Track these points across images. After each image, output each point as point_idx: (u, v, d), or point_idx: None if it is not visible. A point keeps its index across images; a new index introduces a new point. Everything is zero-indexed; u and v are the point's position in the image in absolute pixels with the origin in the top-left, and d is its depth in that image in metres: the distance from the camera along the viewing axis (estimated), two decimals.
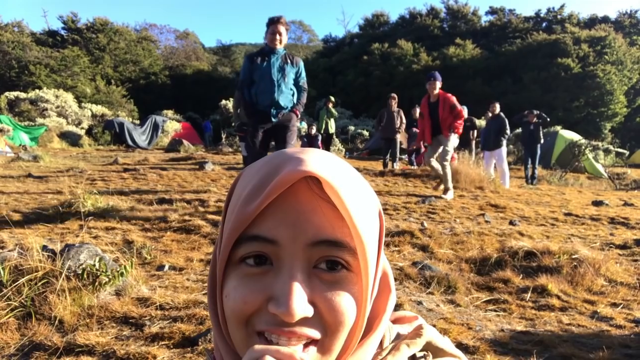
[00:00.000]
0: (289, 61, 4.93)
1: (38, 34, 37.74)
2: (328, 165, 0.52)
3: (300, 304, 0.48)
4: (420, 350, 0.61)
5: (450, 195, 6.95)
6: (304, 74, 5.10)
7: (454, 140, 6.97)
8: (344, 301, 0.52)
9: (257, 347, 0.48)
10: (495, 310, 2.86)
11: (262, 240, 0.51)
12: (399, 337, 0.63)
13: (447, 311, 2.75)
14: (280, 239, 0.50)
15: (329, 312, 0.51)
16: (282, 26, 4.80)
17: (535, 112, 11.43)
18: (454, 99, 6.80)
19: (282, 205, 0.51)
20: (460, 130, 6.94)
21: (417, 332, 0.62)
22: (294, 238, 0.50)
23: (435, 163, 7.13)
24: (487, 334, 2.42)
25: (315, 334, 0.50)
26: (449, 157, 6.90)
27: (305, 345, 0.50)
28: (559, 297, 3.07)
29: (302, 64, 5.10)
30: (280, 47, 4.86)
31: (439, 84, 6.81)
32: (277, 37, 4.78)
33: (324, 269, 0.52)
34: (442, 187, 7.26)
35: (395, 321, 0.68)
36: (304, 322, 0.50)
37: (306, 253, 0.51)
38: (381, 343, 0.61)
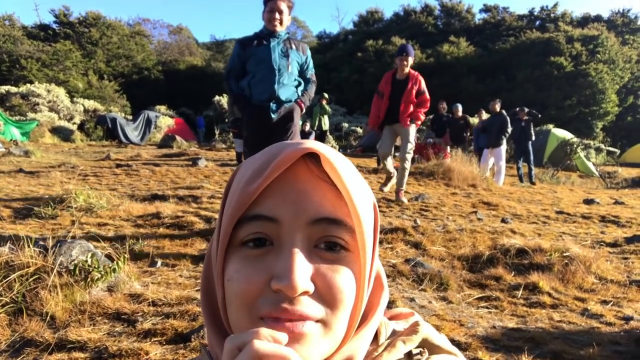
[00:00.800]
0: (293, 46, 4.00)
1: (29, 27, 37.35)
2: (327, 148, 0.53)
3: (302, 276, 0.49)
4: (416, 347, 0.61)
5: (388, 187, 6.34)
6: (312, 64, 4.16)
7: (414, 132, 5.88)
8: (344, 279, 0.52)
9: (233, 336, 0.47)
10: (487, 308, 2.87)
11: (264, 219, 0.52)
12: (394, 334, 0.63)
13: (440, 308, 2.76)
14: (281, 217, 0.51)
15: (329, 289, 0.51)
16: (283, 2, 3.82)
17: (526, 109, 11.45)
18: (423, 82, 5.84)
19: (282, 185, 0.52)
20: (422, 120, 5.98)
21: (413, 329, 0.62)
22: (295, 216, 0.51)
23: (390, 161, 6.17)
24: (479, 331, 2.43)
25: (317, 312, 0.51)
26: (411, 153, 5.94)
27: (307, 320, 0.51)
28: (550, 295, 3.09)
29: (309, 53, 4.16)
30: (281, 29, 3.90)
31: (411, 60, 5.76)
32: (277, 15, 3.79)
33: (323, 249, 0.53)
34: (391, 183, 6.35)
35: (391, 318, 0.69)
36: (305, 301, 0.50)
37: (306, 231, 0.52)
38: (377, 339, 0.61)
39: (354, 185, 0.53)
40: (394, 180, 6.16)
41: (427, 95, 5.79)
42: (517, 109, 11.51)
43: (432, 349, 0.62)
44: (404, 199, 5.98)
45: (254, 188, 0.51)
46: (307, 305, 0.50)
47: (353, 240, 0.53)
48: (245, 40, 4.01)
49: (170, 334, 2.13)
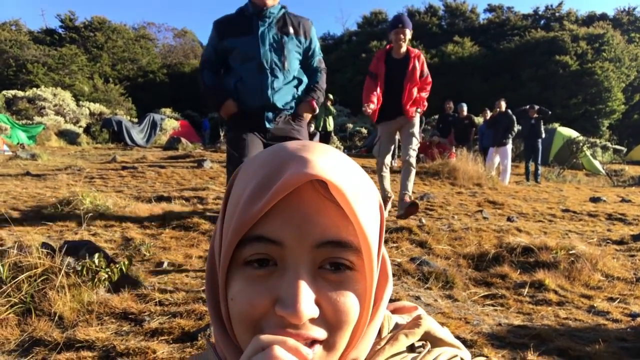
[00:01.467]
0: (290, 28, 3.05)
1: (36, 32, 37.65)
2: (333, 165, 0.51)
3: (307, 305, 0.48)
4: (419, 340, 0.61)
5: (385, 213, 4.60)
6: (318, 47, 3.28)
7: (419, 123, 4.83)
8: (349, 301, 0.51)
9: (263, 336, 0.47)
10: (493, 305, 2.87)
11: (267, 241, 0.50)
12: (397, 327, 0.63)
13: (445, 306, 2.77)
14: (285, 241, 0.50)
15: (334, 312, 0.51)
16: None
17: (536, 107, 11.34)
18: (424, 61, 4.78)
19: (286, 206, 0.50)
20: (425, 108, 4.86)
21: (415, 322, 0.62)
22: (300, 239, 0.50)
23: (388, 176, 4.93)
24: (485, 328, 2.43)
25: (321, 334, 0.50)
26: (416, 150, 4.86)
27: (311, 344, 0.50)
28: (556, 292, 3.08)
29: (314, 33, 3.22)
30: (273, 3, 2.98)
31: (409, 34, 4.59)
32: None
33: (328, 269, 0.52)
34: (389, 206, 5.01)
35: (394, 311, 0.68)
36: (310, 323, 0.49)
37: (311, 254, 0.50)
38: (380, 333, 0.61)
39: (361, 204, 0.51)
40: (389, 205, 4.97)
41: (430, 78, 4.75)
42: (527, 106, 11.38)
43: (435, 342, 0.62)
44: (405, 207, 4.57)
45: (256, 210, 0.49)
46: (312, 330, 0.50)
47: (359, 260, 0.52)
48: (224, 24, 3.08)
49: (177, 332, 2.15)
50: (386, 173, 4.87)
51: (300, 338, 0.48)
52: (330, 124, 13.99)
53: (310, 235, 0.50)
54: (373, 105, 4.49)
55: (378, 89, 4.59)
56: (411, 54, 4.62)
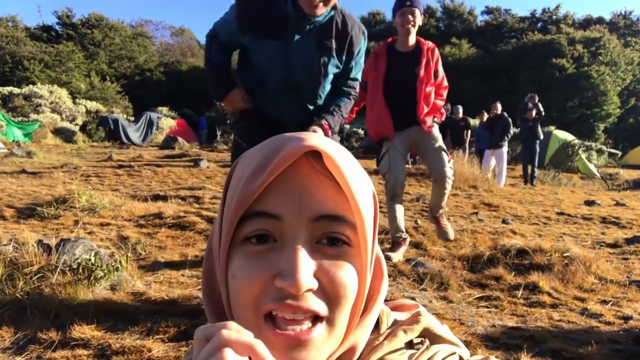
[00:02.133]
0: (334, 43, 2.28)
1: (32, 28, 37.49)
2: (329, 142, 0.54)
3: (306, 275, 0.49)
4: (418, 337, 0.61)
5: (400, 254, 3.55)
6: (360, 66, 2.50)
7: (438, 132, 3.67)
8: (346, 275, 0.53)
9: (224, 332, 0.44)
10: (487, 307, 2.89)
11: (266, 216, 0.52)
12: (396, 324, 0.63)
13: (440, 307, 2.78)
14: (283, 214, 0.51)
15: (332, 285, 0.52)
16: None
17: (536, 96, 10.94)
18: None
19: (284, 182, 0.52)
20: (443, 115, 3.87)
21: (414, 319, 0.62)
22: (297, 213, 0.51)
23: (401, 208, 3.64)
24: (479, 330, 2.45)
25: (320, 307, 0.51)
26: (452, 169, 3.64)
27: (313, 324, 0.51)
28: (550, 294, 3.10)
29: (363, 46, 2.44)
30: (323, 11, 2.20)
31: (420, 17, 3.49)
32: None
33: (326, 244, 0.53)
34: (403, 249, 3.62)
35: (394, 309, 0.69)
36: (309, 296, 0.50)
37: (309, 228, 0.52)
38: (378, 328, 0.61)
39: (356, 181, 0.53)
40: (405, 247, 3.64)
41: (446, 81, 3.75)
42: (528, 95, 11.02)
43: (434, 338, 0.62)
44: (449, 230, 3.80)
45: (256, 186, 0.51)
46: (311, 301, 0.50)
47: (354, 235, 0.54)
48: (249, 11, 2.28)
49: (172, 331, 2.16)
50: (400, 200, 3.61)
51: (299, 310, 0.49)
52: None
53: (307, 208, 0.52)
54: (388, 138, 3.53)
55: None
56: (423, 46, 3.54)
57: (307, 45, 2.25)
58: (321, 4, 2.12)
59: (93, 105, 22.33)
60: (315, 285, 0.50)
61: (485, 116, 11.55)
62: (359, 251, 0.55)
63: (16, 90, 20.75)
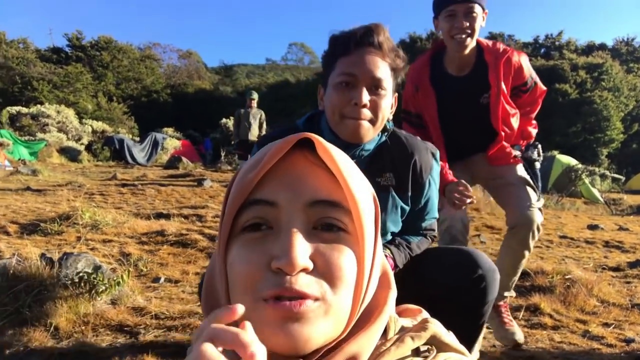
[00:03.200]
0: (390, 177, 1.60)
1: (42, 50, 38.14)
2: (323, 139, 0.56)
3: (301, 254, 0.50)
4: (425, 344, 0.61)
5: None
6: (434, 200, 1.73)
7: (523, 171, 2.57)
8: (343, 256, 0.53)
9: (214, 326, 0.44)
10: (488, 327, 2.87)
11: (262, 204, 0.54)
12: (403, 330, 0.63)
13: None
14: (279, 200, 0.54)
15: (328, 266, 0.52)
16: (383, 62, 1.42)
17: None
18: (526, 59, 2.52)
19: (280, 171, 0.55)
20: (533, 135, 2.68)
21: (422, 326, 0.62)
22: (292, 199, 0.54)
23: (462, 223, 2.61)
24: (479, 350, 2.44)
25: (317, 290, 0.51)
26: (540, 216, 2.37)
27: (306, 299, 0.51)
28: (551, 316, 3.08)
29: (435, 174, 1.70)
30: (373, 136, 1.53)
31: (481, 20, 2.22)
32: (363, 99, 1.39)
33: (322, 230, 0.55)
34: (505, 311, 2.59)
35: (399, 313, 0.69)
36: (305, 279, 0.51)
37: (304, 213, 0.54)
38: (386, 334, 0.61)
39: (349, 169, 0.55)
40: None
41: (542, 85, 2.61)
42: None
43: (441, 346, 0.62)
44: (517, 330, 2.53)
45: (252, 175, 0.54)
46: (307, 284, 0.51)
47: (352, 223, 0.55)
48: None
49: (172, 346, 2.16)
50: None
51: (294, 294, 0.50)
52: (254, 131, 10.16)
53: (302, 194, 0.54)
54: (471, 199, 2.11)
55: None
56: (489, 57, 2.29)
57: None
58: (365, 124, 1.44)
59: (99, 125, 22.56)
60: (310, 265, 0.51)
61: None
62: (357, 240, 0.56)
63: (24, 109, 21.02)
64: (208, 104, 38.76)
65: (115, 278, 2.60)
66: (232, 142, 11.48)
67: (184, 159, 15.61)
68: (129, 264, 3.35)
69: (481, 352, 2.39)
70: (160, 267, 3.54)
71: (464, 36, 2.16)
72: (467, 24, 2.14)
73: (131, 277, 2.84)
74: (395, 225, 1.64)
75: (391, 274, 0.64)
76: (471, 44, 2.23)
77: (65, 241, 4.05)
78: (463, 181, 2.14)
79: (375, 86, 1.41)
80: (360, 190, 0.56)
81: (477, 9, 2.15)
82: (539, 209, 2.36)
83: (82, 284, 2.43)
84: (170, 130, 27.43)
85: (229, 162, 17.50)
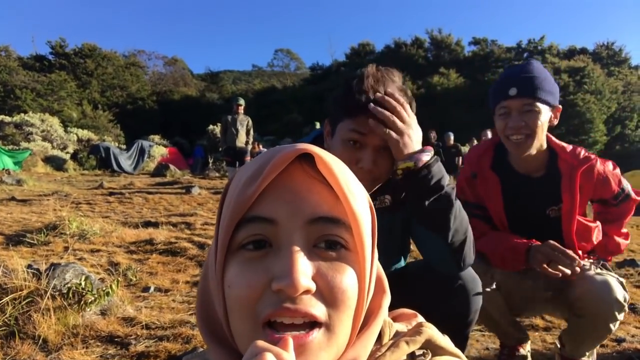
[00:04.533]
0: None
1: (25, 58, 37.72)
2: (320, 150, 0.54)
3: (303, 275, 0.48)
4: (420, 348, 0.61)
5: None
6: None
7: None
8: (345, 278, 0.52)
9: (259, 342, 0.46)
10: (481, 331, 2.88)
11: (262, 221, 0.52)
12: (398, 335, 0.63)
13: None
14: (278, 218, 0.51)
15: (331, 288, 0.51)
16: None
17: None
18: (611, 167, 1.97)
19: (278, 187, 0.52)
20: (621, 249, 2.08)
21: (417, 330, 0.62)
22: (292, 216, 0.51)
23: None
24: (472, 353, 2.44)
25: (319, 311, 0.50)
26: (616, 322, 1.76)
27: (310, 329, 0.50)
28: (543, 318, 3.10)
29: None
30: (369, 188, 1.40)
31: (546, 117, 1.87)
32: (367, 157, 1.35)
33: (323, 247, 0.52)
34: None
35: (394, 318, 0.68)
36: (307, 300, 0.49)
37: (304, 231, 0.51)
38: (381, 339, 0.60)
39: (349, 184, 0.53)
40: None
41: (635, 196, 2.04)
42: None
43: (436, 350, 0.62)
44: None
45: (251, 191, 0.51)
46: (309, 304, 0.49)
47: (352, 240, 0.53)
48: None
49: (163, 356, 2.12)
50: None
51: (297, 314, 0.49)
52: (242, 137, 10.00)
53: (302, 211, 0.52)
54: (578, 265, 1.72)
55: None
56: (561, 161, 1.95)
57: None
58: (370, 184, 1.42)
59: (85, 133, 22.35)
60: (313, 287, 0.49)
61: (475, 143, 11.72)
62: (357, 256, 0.54)
63: (7, 118, 20.74)
64: (194, 110, 38.60)
65: (104, 288, 2.56)
66: (220, 149, 11.41)
67: (172, 167, 15.52)
68: (118, 274, 3.30)
69: (474, 356, 2.39)
70: (150, 276, 3.49)
71: (520, 137, 1.84)
72: (524, 123, 1.82)
73: (120, 287, 2.79)
74: (390, 242, 1.56)
75: (384, 278, 0.63)
76: (533, 145, 1.87)
77: (53, 252, 3.99)
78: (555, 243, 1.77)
79: (383, 147, 1.37)
80: (359, 203, 0.54)
81: (539, 105, 1.82)
82: (624, 296, 1.79)
83: (71, 295, 2.39)
84: (156, 138, 27.25)
85: (217, 169, 17.43)
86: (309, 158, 0.53)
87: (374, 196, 1.53)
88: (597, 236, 1.98)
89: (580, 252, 1.92)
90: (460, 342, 1.61)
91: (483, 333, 2.82)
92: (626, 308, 1.76)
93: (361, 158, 1.36)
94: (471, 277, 1.53)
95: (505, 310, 2.06)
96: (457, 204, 1.36)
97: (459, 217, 1.35)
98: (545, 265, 1.73)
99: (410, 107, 1.44)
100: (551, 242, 1.78)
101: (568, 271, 1.68)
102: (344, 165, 0.57)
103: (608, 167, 1.96)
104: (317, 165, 0.53)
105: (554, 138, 2.01)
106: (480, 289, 1.54)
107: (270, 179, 0.52)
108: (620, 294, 1.73)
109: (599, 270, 1.83)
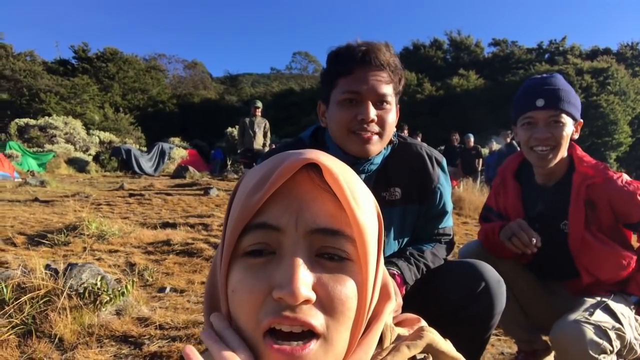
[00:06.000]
0: (395, 191, 1.60)
1: (49, 62, 38.64)
2: (328, 158, 0.54)
3: (303, 285, 0.49)
4: (421, 352, 0.61)
5: None
6: (447, 205, 1.71)
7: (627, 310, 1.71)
8: (346, 290, 0.52)
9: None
10: (496, 335, 2.84)
11: (267, 228, 0.52)
12: (399, 339, 0.63)
13: None
14: (283, 226, 0.52)
15: (331, 299, 0.51)
16: (385, 79, 1.44)
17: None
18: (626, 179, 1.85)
19: (285, 195, 0.53)
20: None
21: (418, 334, 0.62)
22: (296, 224, 0.52)
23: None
24: (487, 357, 2.41)
25: (317, 322, 0.50)
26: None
27: (309, 340, 0.50)
28: None
29: (444, 178, 1.70)
30: (380, 149, 1.52)
31: (570, 129, 1.80)
32: (370, 114, 1.38)
33: (326, 258, 0.53)
34: None
35: (397, 324, 0.68)
36: (307, 309, 0.50)
37: (307, 240, 0.52)
38: (382, 343, 0.61)
39: (355, 194, 0.53)
40: None
41: None
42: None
43: (437, 354, 0.62)
44: None
45: (257, 198, 0.52)
46: (309, 314, 0.50)
47: (355, 250, 0.53)
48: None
49: (176, 356, 2.14)
50: None
51: (296, 322, 0.49)
52: (259, 139, 10.08)
53: (306, 220, 0.52)
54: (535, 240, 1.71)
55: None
56: (576, 173, 1.86)
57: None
58: (373, 138, 1.43)
59: (106, 135, 22.75)
60: (313, 297, 0.50)
61: (494, 144, 11.58)
62: (359, 266, 0.54)
63: (32, 121, 21.24)
64: (214, 113, 38.99)
65: (119, 288, 2.60)
66: (238, 151, 11.50)
67: (191, 168, 15.68)
68: (134, 274, 3.34)
69: None
70: (166, 277, 3.53)
71: (545, 149, 1.79)
72: (550, 135, 1.77)
73: (136, 287, 2.83)
74: (401, 237, 1.63)
75: (391, 284, 0.63)
76: (556, 157, 1.81)
77: (72, 252, 4.06)
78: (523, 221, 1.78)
79: (380, 101, 1.41)
80: (365, 213, 0.54)
81: (565, 118, 1.78)
82: None
83: (87, 295, 2.43)
84: (177, 140, 27.59)
85: (236, 171, 17.55)
86: (316, 165, 0.53)
87: (385, 188, 1.58)
88: (623, 265, 1.76)
89: (598, 278, 1.78)
90: (479, 345, 1.58)
91: (499, 337, 2.78)
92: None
93: (360, 111, 1.39)
94: (496, 279, 1.51)
95: (514, 306, 1.99)
96: (420, 269, 1.54)
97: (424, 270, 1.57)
98: (509, 239, 1.76)
99: (402, 80, 1.54)
100: (521, 219, 1.80)
101: (523, 249, 1.73)
102: (353, 174, 0.57)
103: (633, 187, 1.80)
104: (324, 175, 0.53)
105: (579, 150, 1.92)
106: (504, 292, 1.51)
107: (276, 187, 0.52)
108: (595, 348, 1.49)
109: (587, 315, 1.58)
